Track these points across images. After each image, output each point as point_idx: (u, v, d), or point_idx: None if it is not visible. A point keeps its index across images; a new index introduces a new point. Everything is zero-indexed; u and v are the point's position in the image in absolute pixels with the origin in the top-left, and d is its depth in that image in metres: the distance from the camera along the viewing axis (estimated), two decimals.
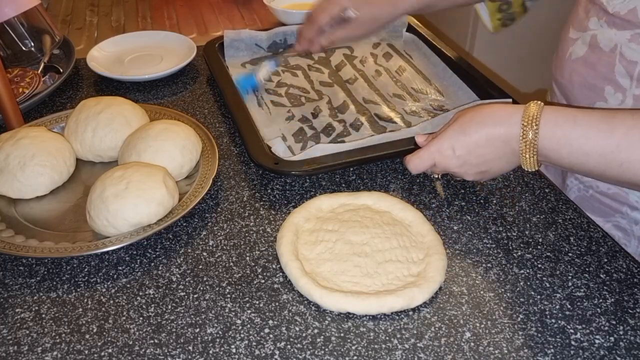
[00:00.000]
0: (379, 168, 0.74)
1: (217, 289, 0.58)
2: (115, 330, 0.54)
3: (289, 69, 0.95)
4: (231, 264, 0.60)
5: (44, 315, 0.55)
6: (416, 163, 0.65)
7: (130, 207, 0.60)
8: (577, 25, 0.75)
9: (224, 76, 0.88)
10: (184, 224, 0.66)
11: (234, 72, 0.92)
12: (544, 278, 0.59)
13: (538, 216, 0.67)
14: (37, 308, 0.56)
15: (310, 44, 0.83)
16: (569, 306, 0.56)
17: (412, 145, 0.70)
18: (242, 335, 0.53)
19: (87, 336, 0.53)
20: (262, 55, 0.99)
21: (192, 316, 0.55)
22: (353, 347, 0.52)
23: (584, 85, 0.74)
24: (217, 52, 0.96)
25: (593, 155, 0.55)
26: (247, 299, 0.56)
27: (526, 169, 0.60)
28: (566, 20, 0.81)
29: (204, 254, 0.62)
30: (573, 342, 0.52)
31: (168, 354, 0.51)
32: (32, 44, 0.96)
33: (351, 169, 0.74)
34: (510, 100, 0.78)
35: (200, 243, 0.63)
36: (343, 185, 0.71)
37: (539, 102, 0.58)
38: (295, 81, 0.92)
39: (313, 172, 0.69)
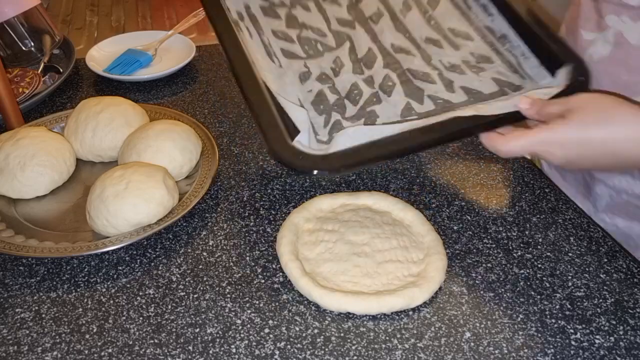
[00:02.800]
0: (379, 168, 0.74)
1: (217, 288, 0.58)
2: (115, 330, 0.54)
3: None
4: (231, 264, 0.60)
5: (44, 315, 0.55)
6: (513, 148, 0.56)
7: (130, 207, 0.60)
8: (591, 27, 0.72)
9: (222, 20, 0.68)
10: (184, 224, 0.66)
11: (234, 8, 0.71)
12: (543, 278, 0.59)
13: (538, 216, 0.67)
14: (37, 308, 0.56)
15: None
16: (569, 306, 0.56)
17: (473, 125, 0.58)
18: (242, 335, 0.53)
19: (87, 336, 0.53)
20: None
21: (192, 316, 0.55)
22: (353, 347, 0.52)
23: (616, 83, 0.69)
24: None
25: None
26: (247, 299, 0.56)
27: None
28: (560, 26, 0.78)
29: (204, 253, 0.62)
30: (573, 342, 0.52)
31: (168, 353, 0.51)
32: (32, 44, 0.96)
33: None
34: (584, 79, 0.63)
35: (200, 243, 0.63)
36: (343, 185, 0.71)
37: None
38: (308, 18, 0.71)
39: (353, 167, 0.58)
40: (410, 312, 0.55)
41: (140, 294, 0.57)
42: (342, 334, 0.53)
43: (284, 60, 0.66)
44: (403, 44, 0.68)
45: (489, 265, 0.60)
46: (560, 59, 0.63)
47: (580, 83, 0.61)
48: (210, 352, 0.51)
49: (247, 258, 0.61)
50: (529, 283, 0.58)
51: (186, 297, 0.57)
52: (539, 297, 0.57)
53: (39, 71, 0.91)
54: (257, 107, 0.58)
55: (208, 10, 0.69)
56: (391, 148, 0.56)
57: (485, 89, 0.63)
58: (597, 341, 0.52)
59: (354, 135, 0.56)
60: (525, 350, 0.52)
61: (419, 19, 0.71)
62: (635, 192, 0.72)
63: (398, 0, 0.74)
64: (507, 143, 0.56)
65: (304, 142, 0.56)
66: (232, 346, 0.52)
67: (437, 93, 0.63)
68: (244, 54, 0.63)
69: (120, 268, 0.60)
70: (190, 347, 0.52)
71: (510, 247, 0.62)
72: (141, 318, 0.55)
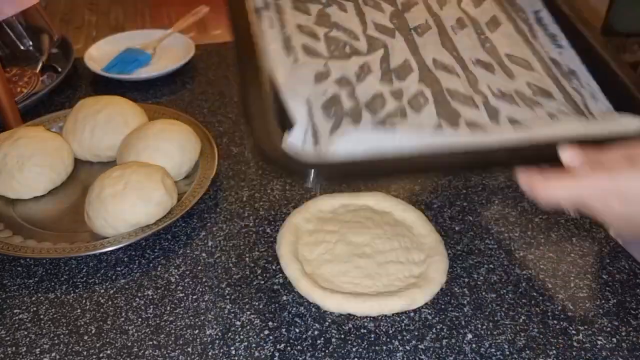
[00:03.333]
0: None
1: (216, 290, 0.57)
2: (114, 331, 0.53)
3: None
4: (230, 264, 0.60)
5: (42, 316, 0.55)
6: (555, 193, 0.43)
7: (128, 208, 0.60)
8: None
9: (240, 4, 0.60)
10: (183, 225, 0.65)
11: None
12: (546, 279, 0.58)
13: (540, 216, 0.66)
14: (35, 309, 0.55)
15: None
16: (571, 307, 0.55)
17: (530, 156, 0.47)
18: (241, 337, 0.53)
19: (86, 337, 0.53)
20: None
21: (191, 317, 0.54)
22: (354, 349, 0.51)
23: None
24: None
25: None
26: (246, 300, 0.56)
27: None
28: None
29: (203, 254, 0.61)
30: (575, 344, 0.52)
31: (167, 355, 0.51)
32: (31, 43, 0.96)
33: None
34: None
35: (200, 244, 0.63)
36: (344, 185, 0.71)
37: None
38: (342, 18, 0.61)
39: (344, 178, 0.50)
40: (412, 314, 0.55)
41: (139, 295, 0.57)
42: (342, 336, 0.53)
43: (303, 57, 0.55)
44: (447, 61, 0.57)
45: (490, 266, 0.60)
46: None
47: None
48: (210, 353, 0.51)
49: (247, 259, 0.61)
50: (531, 284, 0.58)
51: (185, 298, 0.56)
52: (541, 298, 0.56)
53: (37, 70, 0.90)
54: (249, 95, 0.48)
55: None
56: (405, 166, 0.46)
57: (537, 125, 0.51)
58: (599, 342, 0.52)
59: (357, 142, 0.46)
60: (527, 352, 0.51)
61: (472, 39, 0.60)
62: None
63: (452, 14, 0.63)
64: (549, 187, 0.43)
65: (297, 141, 0.47)
66: (232, 348, 0.52)
67: (478, 120, 0.51)
68: (253, 38, 0.55)
69: (118, 269, 0.60)
70: (190, 349, 0.51)
71: (512, 248, 0.62)
72: (140, 319, 0.54)
